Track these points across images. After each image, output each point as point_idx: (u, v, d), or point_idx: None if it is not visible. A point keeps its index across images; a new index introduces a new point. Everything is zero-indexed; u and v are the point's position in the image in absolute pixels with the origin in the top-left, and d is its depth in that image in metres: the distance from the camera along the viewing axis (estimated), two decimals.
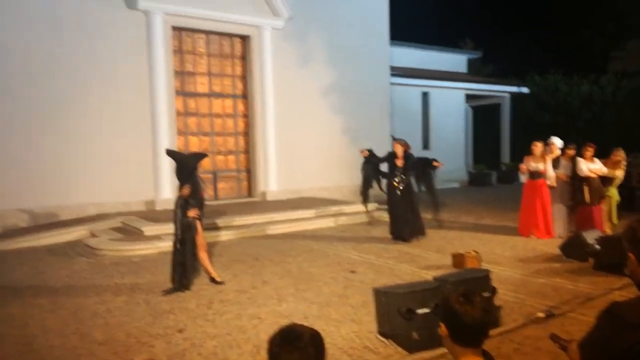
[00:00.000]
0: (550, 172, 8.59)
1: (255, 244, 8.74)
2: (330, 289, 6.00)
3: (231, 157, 12.71)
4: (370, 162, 8.82)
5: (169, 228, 8.89)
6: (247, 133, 12.78)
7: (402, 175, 8.57)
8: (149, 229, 8.83)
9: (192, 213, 6.10)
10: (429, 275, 6.31)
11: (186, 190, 6.09)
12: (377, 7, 14.48)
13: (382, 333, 4.36)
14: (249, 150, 12.81)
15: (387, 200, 8.79)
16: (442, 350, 4.17)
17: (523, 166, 8.87)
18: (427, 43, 22.14)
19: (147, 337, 4.82)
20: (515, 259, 7.26)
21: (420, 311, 4.10)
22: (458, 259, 6.69)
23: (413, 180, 8.68)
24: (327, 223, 10.38)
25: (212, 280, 6.40)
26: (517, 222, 9.22)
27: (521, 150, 21.05)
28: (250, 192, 12.85)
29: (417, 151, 18.08)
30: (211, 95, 12.34)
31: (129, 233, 9.12)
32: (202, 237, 6.41)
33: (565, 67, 22.22)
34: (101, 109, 10.56)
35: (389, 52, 14.98)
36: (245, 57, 12.59)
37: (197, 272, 6.48)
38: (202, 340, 4.69)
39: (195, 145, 12.15)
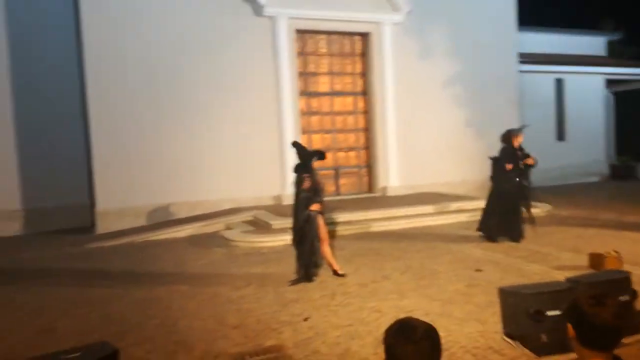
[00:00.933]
0: None
1: (376, 239, 8.82)
2: (454, 286, 5.89)
3: (352, 153, 12.92)
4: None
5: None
6: (368, 129, 12.90)
7: (519, 171, 7.99)
8: (277, 223, 9.31)
9: (315, 207, 6.34)
10: (561, 276, 5.91)
11: (307, 182, 6.34)
12: None
13: (508, 334, 4.20)
14: (369, 146, 12.92)
15: (496, 195, 8.15)
16: (573, 355, 3.91)
17: None
18: (561, 26, 20.56)
19: (276, 324, 5.12)
20: None
21: (551, 313, 3.88)
22: (595, 260, 6.18)
23: None
24: (449, 219, 10.14)
25: (335, 273, 6.60)
26: None
27: None
28: (370, 187, 12.95)
29: (550, 142, 17.08)
30: (332, 94, 12.64)
31: (259, 226, 9.71)
32: (325, 231, 6.63)
33: None
34: (234, 112, 11.33)
35: (516, 38, 14.16)
36: (365, 54, 12.71)
37: (321, 265, 6.72)
38: (325, 330, 4.87)
39: (318, 142, 12.53)
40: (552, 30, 19.55)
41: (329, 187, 12.50)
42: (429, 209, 10.43)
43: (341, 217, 9.54)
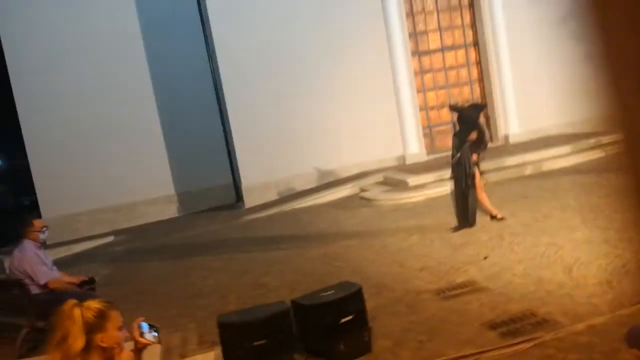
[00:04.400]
0: None
1: (517, 184, 9.00)
2: (623, 215, 6.02)
3: None
4: None
5: (427, 178, 9.80)
6: (482, 80, 12.87)
7: None
8: (412, 180, 9.77)
9: (475, 157, 6.73)
10: None
11: (473, 135, 6.75)
12: None
13: None
14: (485, 98, 12.90)
15: None
16: None
17: None
18: None
19: (457, 263, 5.63)
20: None
21: None
22: None
23: None
24: (586, 157, 10.06)
25: (493, 217, 6.96)
26: None
27: None
28: (491, 137, 12.97)
29: None
30: (443, 49, 12.71)
31: (394, 185, 10.22)
32: (481, 179, 6.99)
33: None
34: (352, 78, 11.81)
35: None
36: (472, 4, 12.61)
37: (478, 210, 7.09)
38: (509, 264, 5.30)
39: (432, 100, 12.74)
40: None
41: (447, 142, 12.65)
42: (559, 150, 10.39)
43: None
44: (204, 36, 12.10)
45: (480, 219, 6.99)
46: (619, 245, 5.09)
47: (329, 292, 4.00)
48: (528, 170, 9.75)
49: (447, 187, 9.18)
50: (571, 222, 6.19)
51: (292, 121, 11.60)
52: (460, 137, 6.90)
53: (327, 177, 11.80)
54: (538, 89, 12.64)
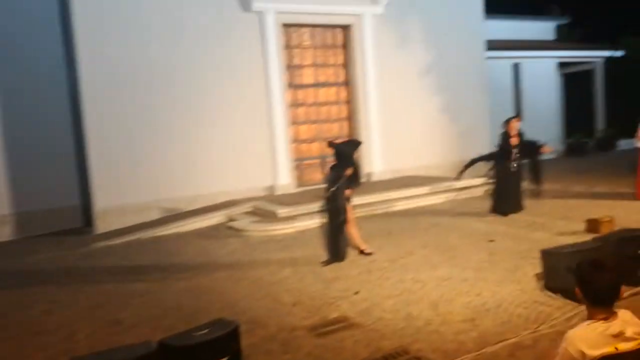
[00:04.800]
0: None
1: (382, 220, 9.42)
2: (477, 256, 6.56)
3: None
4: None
5: (298, 210, 9.84)
6: (351, 118, 13.46)
7: (517, 154, 8.90)
8: (283, 212, 9.73)
9: (348, 192, 6.88)
10: (564, 241, 6.71)
11: (349, 170, 6.90)
12: None
13: (549, 288, 4.88)
14: (352, 135, 13.47)
15: (498, 178, 9.05)
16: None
17: None
18: (513, 12, 21.79)
19: (330, 298, 5.61)
20: None
21: None
22: (592, 225, 7.03)
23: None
24: (440, 199, 10.91)
25: (362, 252, 7.14)
26: (635, 187, 9.34)
27: (617, 117, 20.51)
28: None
29: None
30: (317, 85, 13.10)
31: (264, 216, 10.08)
32: (352, 214, 7.15)
33: None
34: (225, 104, 11.58)
35: (484, 26, 15.10)
36: (346, 46, 13.23)
37: (348, 245, 7.23)
38: (379, 300, 5.41)
39: (304, 133, 12.99)
40: (506, 17, 20.69)
41: (316, 176, 13.02)
42: (421, 190, 11.11)
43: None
44: (64, 40, 11.05)
45: (349, 253, 7.13)
46: (476, 285, 5.48)
47: (202, 332, 3.68)
48: (391, 208, 10.26)
49: (316, 220, 9.32)
50: (432, 260, 6.57)
51: (158, 143, 10.97)
52: (336, 172, 7.02)
53: (193, 203, 11.28)
54: (401, 132, 13.57)
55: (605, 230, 6.91)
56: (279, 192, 11.99)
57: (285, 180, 12.22)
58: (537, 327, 4.29)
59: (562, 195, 10.25)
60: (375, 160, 13.29)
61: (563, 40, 22.48)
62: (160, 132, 11.04)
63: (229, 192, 11.66)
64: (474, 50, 14.71)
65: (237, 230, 9.41)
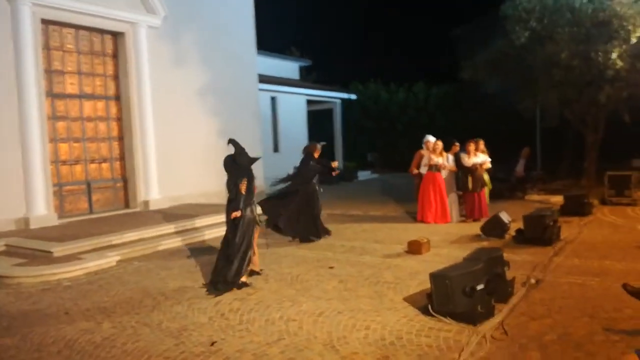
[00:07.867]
0: (449, 165, 10.02)
1: (173, 257, 8.22)
2: (330, 285, 6.15)
3: (105, 165, 11.47)
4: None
5: (82, 245, 7.88)
6: (122, 138, 11.70)
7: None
8: (59, 249, 7.63)
9: (235, 214, 6.05)
10: (398, 262, 6.93)
11: (244, 187, 5.97)
12: (243, 13, 14.56)
13: (438, 311, 4.79)
14: (124, 157, 11.73)
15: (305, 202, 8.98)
16: (499, 317, 4.80)
17: (421, 161, 10.12)
18: (260, 49, 22.76)
19: (194, 357, 4.41)
20: (447, 242, 8.28)
21: (479, 287, 4.66)
22: (414, 246, 7.42)
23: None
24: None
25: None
26: (413, 210, 10.51)
27: (353, 152, 23.28)
28: (127, 202, 11.77)
29: (269, 154, 18.73)
30: (82, 96, 10.99)
31: (29, 257, 7.72)
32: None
33: (385, 76, 25.11)
34: None
35: (256, 57, 15.20)
36: (117, 56, 11.51)
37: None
38: (261, 349, 4.47)
39: (66, 153, 10.70)
40: (259, 53, 21.49)
41: (81, 204, 10.88)
42: (208, 220, 10.10)
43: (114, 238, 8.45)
44: None
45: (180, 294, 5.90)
46: (357, 317, 5.07)
47: None
48: (197, 238, 9.11)
49: (113, 259, 7.67)
50: (285, 293, 5.88)
51: None
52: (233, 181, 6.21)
53: None
54: (179, 156, 12.42)
55: (425, 250, 7.39)
56: (35, 225, 9.51)
57: (42, 210, 9.78)
58: (459, 357, 4.09)
59: (347, 220, 10.78)
60: (152, 187, 11.80)
61: (306, 80, 24.58)
62: None
63: None
64: (248, 79, 14.66)
65: None
